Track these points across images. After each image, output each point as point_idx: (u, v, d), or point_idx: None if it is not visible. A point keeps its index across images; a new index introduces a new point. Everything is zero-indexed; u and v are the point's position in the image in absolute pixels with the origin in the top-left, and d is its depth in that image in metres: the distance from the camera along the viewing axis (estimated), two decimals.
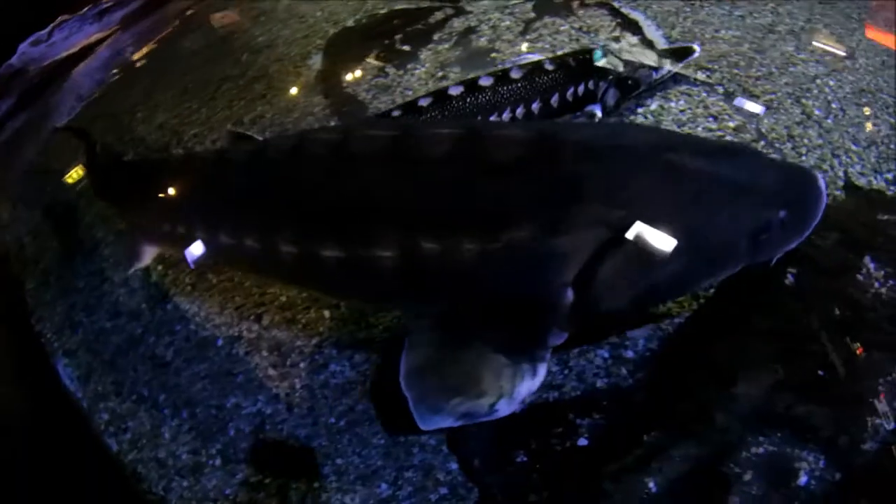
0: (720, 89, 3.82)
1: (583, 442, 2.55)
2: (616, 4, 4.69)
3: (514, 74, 3.33)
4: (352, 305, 3.11)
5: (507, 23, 4.70)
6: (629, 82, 3.49)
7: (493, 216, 2.11)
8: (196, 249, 2.72)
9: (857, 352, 2.62)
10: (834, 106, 3.69)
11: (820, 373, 2.56)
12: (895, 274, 2.84)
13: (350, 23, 5.05)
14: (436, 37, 4.68)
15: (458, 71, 4.26)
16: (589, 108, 3.48)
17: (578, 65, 3.43)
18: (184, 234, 2.84)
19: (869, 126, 3.57)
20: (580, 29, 4.48)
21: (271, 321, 3.22)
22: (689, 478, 2.40)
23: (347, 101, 4.24)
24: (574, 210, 2.06)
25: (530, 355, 2.16)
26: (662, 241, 2.02)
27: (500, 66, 3.66)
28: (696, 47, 3.67)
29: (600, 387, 2.66)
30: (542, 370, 2.17)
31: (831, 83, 3.87)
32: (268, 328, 3.20)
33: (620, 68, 3.47)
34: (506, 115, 3.31)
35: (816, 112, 3.64)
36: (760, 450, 2.40)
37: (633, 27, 4.45)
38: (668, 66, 3.57)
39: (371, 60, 4.50)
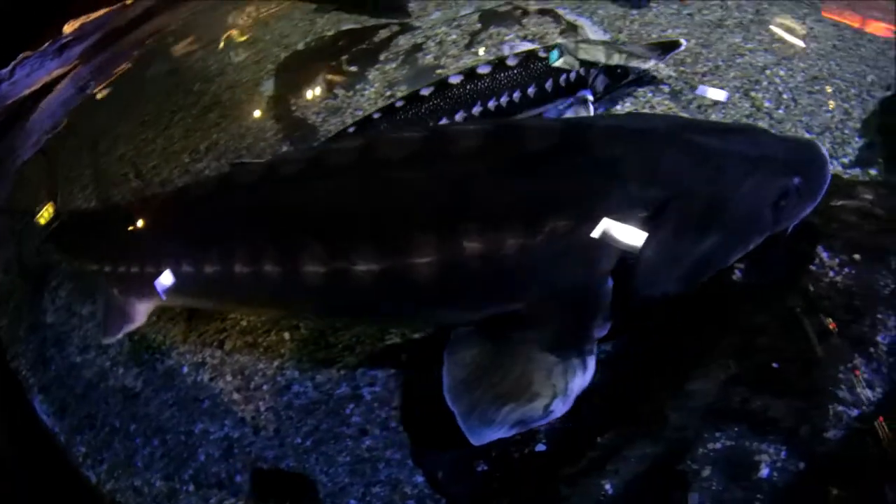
0: (666, 88, 3.84)
1: (540, 448, 2.53)
2: (560, 11, 4.69)
3: (511, 62, 3.45)
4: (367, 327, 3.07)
5: (453, 37, 4.69)
6: (618, 70, 3.58)
7: (527, 211, 2.06)
8: (166, 280, 2.69)
9: (814, 341, 2.57)
10: (785, 96, 3.71)
11: (774, 365, 2.53)
12: (850, 261, 2.81)
13: (300, 46, 5.02)
14: (382, 56, 4.66)
15: (405, 90, 4.24)
16: (581, 93, 3.56)
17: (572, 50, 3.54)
18: (192, 273, 2.65)
19: (822, 113, 3.58)
20: (525, 38, 4.48)
21: (233, 346, 3.21)
22: (646, 477, 2.38)
23: (298, 124, 4.22)
24: (609, 194, 2.04)
25: (578, 349, 2.09)
26: (698, 215, 2.05)
27: (499, 56, 3.67)
28: (683, 41, 3.71)
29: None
30: (593, 363, 2.10)
31: (781, 73, 3.89)
32: (230, 353, 3.19)
33: (577, 66, 3.52)
34: (503, 100, 3.43)
35: (766, 104, 3.65)
36: (718, 445, 2.38)
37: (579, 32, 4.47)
38: (655, 59, 3.62)
39: (321, 83, 4.47)
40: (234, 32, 5.54)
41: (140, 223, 3.07)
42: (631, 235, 2.01)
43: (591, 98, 3.56)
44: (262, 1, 6.03)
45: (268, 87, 4.67)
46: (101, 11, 7.33)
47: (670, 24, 4.43)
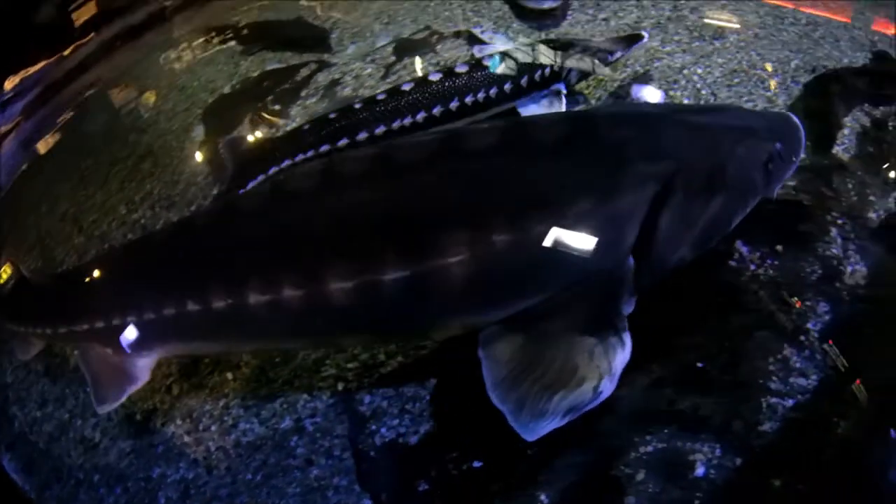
0: (581, 99, 3.89)
1: (477, 464, 2.56)
2: (476, 31, 4.71)
3: (487, 61, 3.53)
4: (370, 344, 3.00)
5: (369, 70, 4.73)
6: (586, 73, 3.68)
7: (549, 199, 2.09)
8: (131, 334, 2.60)
9: (738, 336, 2.59)
10: (704, 92, 3.76)
11: (699, 364, 2.53)
12: (772, 252, 2.85)
13: (226, 89, 5.01)
14: (303, 93, 4.68)
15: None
16: (555, 86, 3.64)
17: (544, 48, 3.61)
18: (200, 311, 2.41)
19: (744, 104, 3.61)
20: (438, 63, 4.53)
21: (181, 390, 3.23)
22: (581, 486, 2.40)
23: (226, 169, 4.18)
24: (622, 174, 2.11)
25: (614, 328, 2.09)
26: (702, 184, 2.17)
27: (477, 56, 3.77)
28: (645, 34, 3.79)
29: (496, 409, 2.64)
30: (629, 338, 2.09)
31: (699, 71, 3.93)
32: (178, 397, 3.21)
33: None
34: (480, 96, 3.48)
35: (685, 101, 3.70)
36: (650, 448, 2.38)
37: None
38: (620, 51, 3.71)
39: (246, 125, 4.50)
40: (164, 81, 5.50)
41: (125, 269, 2.86)
42: (646, 210, 2.10)
43: (564, 91, 3.64)
44: (191, 47, 6.00)
45: (198, 132, 4.67)
46: (40, 64, 7.24)
47: (586, 33, 4.45)
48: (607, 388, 2.01)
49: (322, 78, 4.79)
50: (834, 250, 2.89)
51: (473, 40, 4.68)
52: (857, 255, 2.86)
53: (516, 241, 2.04)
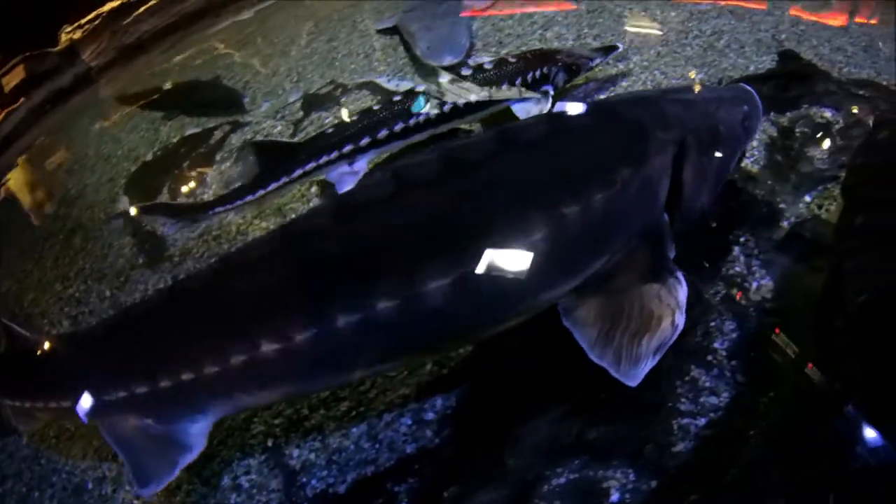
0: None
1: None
2: (379, 80, 4.80)
3: (487, 66, 3.82)
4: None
5: (279, 128, 4.77)
6: (573, 68, 3.94)
7: (596, 170, 2.25)
8: (86, 402, 2.41)
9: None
10: None
11: (603, 395, 2.51)
12: None
13: (148, 157, 5.01)
14: (218, 156, 4.70)
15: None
16: (544, 87, 3.89)
17: (534, 56, 3.93)
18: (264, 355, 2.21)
19: None
20: (344, 116, 4.53)
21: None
22: None
23: (149, 237, 4.24)
24: (647, 143, 2.31)
25: (668, 271, 2.28)
26: (705, 142, 2.42)
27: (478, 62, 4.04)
28: (620, 45, 4.17)
29: (410, 452, 2.70)
30: (682, 275, 2.28)
31: (602, 97, 4.06)
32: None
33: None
34: (483, 95, 3.73)
35: None
36: (562, 480, 2.38)
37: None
38: (599, 58, 4.04)
39: (166, 194, 4.51)
40: (91, 150, 5.48)
41: (162, 322, 2.48)
42: (671, 169, 2.33)
43: (551, 92, 3.90)
44: (115, 112, 5.99)
45: (122, 203, 4.67)
46: None
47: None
48: (680, 320, 2.18)
49: (235, 140, 4.83)
50: (737, 269, 2.87)
51: (378, 90, 4.76)
52: (763, 270, 2.84)
53: (581, 211, 2.16)
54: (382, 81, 4.88)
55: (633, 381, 2.15)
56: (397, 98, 3.76)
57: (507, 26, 5.39)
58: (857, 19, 4.76)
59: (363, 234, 2.31)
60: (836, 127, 3.33)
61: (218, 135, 4.91)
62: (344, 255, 2.27)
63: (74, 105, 6.74)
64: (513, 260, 2.12)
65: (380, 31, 5.67)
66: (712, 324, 2.66)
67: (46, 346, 2.72)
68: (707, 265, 2.90)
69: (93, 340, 2.70)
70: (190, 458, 2.39)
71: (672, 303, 2.21)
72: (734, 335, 2.63)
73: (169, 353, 2.35)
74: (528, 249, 2.13)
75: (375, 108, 3.77)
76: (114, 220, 4.55)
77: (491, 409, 2.69)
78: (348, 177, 3.67)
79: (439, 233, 2.22)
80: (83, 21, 7.69)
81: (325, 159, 3.64)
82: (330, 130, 3.73)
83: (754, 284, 2.78)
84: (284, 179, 3.63)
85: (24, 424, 2.84)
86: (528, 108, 3.85)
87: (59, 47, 7.54)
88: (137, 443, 2.40)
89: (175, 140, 5.06)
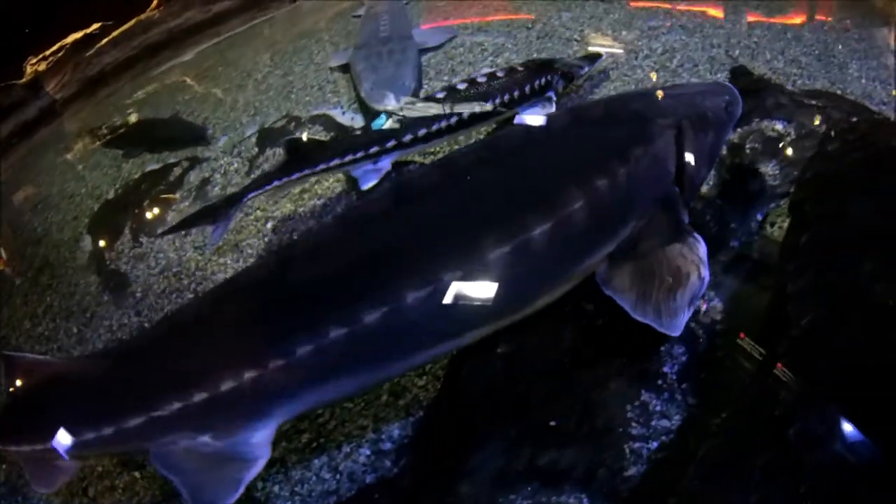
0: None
1: None
2: (332, 113, 4.97)
3: (499, 73, 4.18)
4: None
5: (235, 165, 4.86)
6: (569, 75, 4.37)
7: (616, 150, 2.55)
8: (65, 439, 2.32)
9: (589, 390, 2.56)
10: None
11: (553, 422, 2.51)
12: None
13: (110, 194, 5.05)
14: (178, 193, 4.78)
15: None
16: (548, 93, 4.27)
17: (538, 66, 4.32)
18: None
19: None
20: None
21: (96, 491, 3.24)
22: None
23: (113, 275, 4.31)
24: (652, 127, 2.65)
25: (687, 231, 2.58)
26: (698, 124, 2.74)
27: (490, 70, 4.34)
28: (603, 53, 4.71)
29: (370, 482, 2.75)
30: (698, 235, 2.57)
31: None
32: (95, 499, 3.23)
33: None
34: (497, 101, 4.09)
35: None
36: None
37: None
38: (587, 66, 4.51)
39: (127, 233, 4.58)
40: (56, 188, 5.53)
41: (207, 331, 2.44)
42: (675, 149, 2.65)
43: (553, 97, 4.26)
44: (79, 147, 6.07)
45: (86, 242, 4.72)
46: None
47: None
48: (706, 273, 2.45)
49: (194, 177, 4.90)
50: None
51: (330, 123, 4.92)
52: (711, 292, 2.87)
53: (609, 183, 2.45)
54: (336, 114, 5.00)
55: (676, 332, 2.38)
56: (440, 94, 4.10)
57: (458, 54, 5.55)
58: (818, 17, 5.05)
59: (422, 215, 2.50)
60: (788, 139, 3.37)
61: (177, 171, 4.98)
62: (407, 234, 2.45)
63: (40, 139, 6.79)
64: (560, 228, 2.36)
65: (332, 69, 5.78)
66: (662, 348, 2.70)
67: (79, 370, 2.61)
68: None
69: (138, 351, 2.60)
70: (255, 471, 2.24)
71: (695, 258, 2.48)
72: (684, 358, 2.67)
73: (224, 355, 2.27)
74: (572, 218, 2.38)
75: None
76: (79, 258, 4.61)
77: (445, 437, 2.72)
78: (372, 174, 3.92)
79: (494, 208, 2.44)
80: (47, 53, 7.74)
81: (349, 157, 3.88)
82: (358, 132, 4.07)
83: (703, 307, 2.83)
84: (321, 166, 3.85)
85: (45, 483, 2.63)
86: (536, 112, 4.16)
87: (24, 79, 7.62)
88: (194, 465, 2.23)
89: (136, 177, 5.12)
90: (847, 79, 4.28)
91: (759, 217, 3.12)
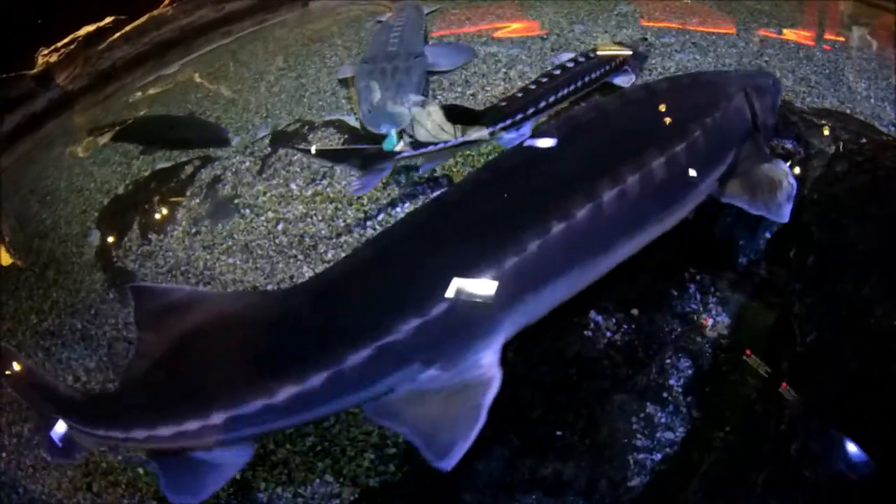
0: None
1: None
2: (346, 119, 5.05)
3: (580, 59, 4.70)
4: None
5: (247, 164, 4.87)
6: (644, 57, 5.07)
7: (708, 105, 3.02)
8: (60, 428, 2.47)
9: (594, 402, 2.59)
10: None
11: (558, 433, 2.54)
12: (628, 317, 2.87)
13: (120, 190, 5.06)
14: (188, 192, 4.79)
15: (208, 224, 4.44)
16: (625, 68, 4.91)
17: (614, 53, 4.82)
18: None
19: None
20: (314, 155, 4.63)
21: (100, 487, 3.28)
22: None
23: (119, 273, 4.32)
24: (725, 92, 3.13)
25: (771, 157, 3.19)
26: (761, 90, 3.23)
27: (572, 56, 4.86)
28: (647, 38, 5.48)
29: (373, 486, 2.80)
30: (774, 158, 3.17)
31: None
32: (98, 494, 3.25)
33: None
34: (579, 83, 4.65)
35: None
36: None
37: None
38: (642, 48, 5.19)
39: (136, 229, 4.59)
40: (64, 182, 5.53)
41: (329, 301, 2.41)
42: (748, 105, 3.13)
43: (632, 72, 4.90)
44: (89, 142, 6.05)
45: (94, 237, 4.73)
46: None
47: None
48: (793, 180, 2.99)
49: (205, 175, 4.91)
50: (692, 306, 2.99)
51: (345, 127, 4.96)
52: (718, 307, 2.98)
53: (713, 122, 2.93)
54: (350, 120, 5.03)
55: (785, 219, 2.88)
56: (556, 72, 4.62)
57: (471, 65, 5.62)
58: (828, 35, 5.19)
59: (578, 149, 2.83)
60: (797, 158, 3.46)
61: (188, 170, 5.00)
62: (579, 159, 2.76)
63: (48, 131, 6.79)
64: (690, 150, 2.79)
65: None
66: (667, 361, 2.75)
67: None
68: (663, 303, 2.98)
69: (340, 284, 2.53)
70: (492, 394, 2.18)
71: (782, 171, 3.02)
72: (689, 372, 2.74)
73: (439, 275, 2.26)
74: (696, 144, 2.82)
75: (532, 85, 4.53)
76: (86, 253, 4.61)
77: None
78: (516, 140, 4.06)
79: (641, 141, 2.78)
80: (59, 45, 7.74)
81: (499, 126, 4.26)
82: (503, 104, 4.36)
83: (710, 322, 2.90)
84: (465, 138, 4.16)
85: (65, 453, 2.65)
86: (624, 80, 4.86)
87: (35, 70, 7.64)
88: (419, 409, 2.21)
89: (146, 174, 5.13)
90: (856, 98, 4.38)
91: (768, 235, 3.20)
